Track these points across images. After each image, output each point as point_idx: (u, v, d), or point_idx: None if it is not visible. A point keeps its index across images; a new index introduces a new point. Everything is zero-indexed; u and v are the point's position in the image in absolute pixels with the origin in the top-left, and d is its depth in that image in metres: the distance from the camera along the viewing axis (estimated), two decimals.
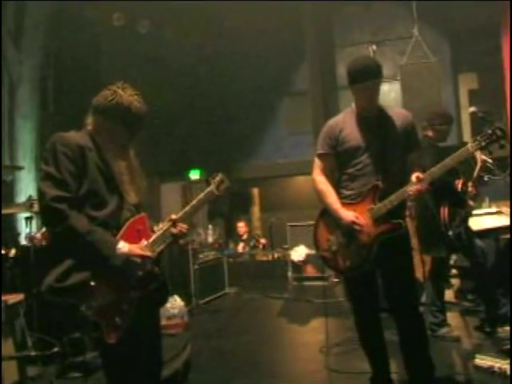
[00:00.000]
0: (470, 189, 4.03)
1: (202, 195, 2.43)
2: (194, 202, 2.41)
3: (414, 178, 2.85)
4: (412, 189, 2.81)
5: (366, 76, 2.85)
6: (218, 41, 9.67)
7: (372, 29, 10.27)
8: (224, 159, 11.54)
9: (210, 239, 8.02)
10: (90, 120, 2.29)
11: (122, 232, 2.14)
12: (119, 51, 8.04)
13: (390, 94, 10.00)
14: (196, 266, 6.65)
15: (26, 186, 7.40)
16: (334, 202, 2.93)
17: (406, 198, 2.90)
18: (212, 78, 10.60)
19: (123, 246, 2.07)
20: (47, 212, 2.06)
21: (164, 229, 2.29)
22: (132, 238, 2.16)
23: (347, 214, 2.86)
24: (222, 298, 7.11)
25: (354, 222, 2.83)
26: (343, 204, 2.93)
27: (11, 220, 6.37)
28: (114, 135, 2.28)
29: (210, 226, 8.42)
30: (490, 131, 2.86)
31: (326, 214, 3.03)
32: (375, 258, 2.84)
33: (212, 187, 2.46)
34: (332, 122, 3.09)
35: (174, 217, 2.32)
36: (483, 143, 2.87)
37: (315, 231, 3.11)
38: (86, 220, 2.05)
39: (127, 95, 2.27)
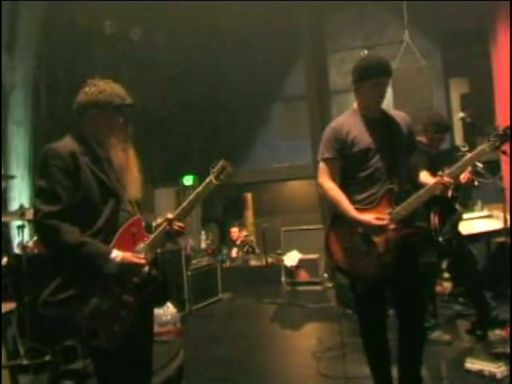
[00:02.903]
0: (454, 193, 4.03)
1: (200, 188, 2.33)
2: (192, 196, 2.32)
3: (426, 178, 2.87)
4: (437, 187, 2.76)
5: (379, 72, 2.80)
6: (210, 47, 9.70)
7: (363, 34, 10.32)
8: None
9: (203, 245, 8.03)
10: (80, 123, 2.27)
11: (116, 238, 2.12)
12: (112, 58, 8.04)
13: None
14: (189, 272, 6.64)
15: (19, 194, 7.37)
16: (350, 209, 2.79)
17: (424, 200, 2.80)
18: (205, 83, 10.63)
19: (116, 256, 2.06)
20: (40, 228, 2.09)
21: (160, 229, 2.25)
22: (127, 243, 2.15)
23: (366, 218, 2.74)
24: (215, 304, 7.11)
25: (377, 225, 2.71)
26: (357, 210, 2.79)
27: (3, 228, 6.35)
28: (110, 124, 2.26)
29: (203, 232, 8.43)
30: (501, 131, 2.81)
31: (338, 222, 2.90)
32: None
33: (211, 177, 2.35)
34: (336, 124, 2.97)
35: (170, 216, 2.28)
36: (497, 143, 2.82)
37: (327, 241, 2.94)
38: (78, 233, 2.05)
39: (103, 83, 2.28)
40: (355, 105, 3.00)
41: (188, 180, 11.55)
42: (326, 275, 8.02)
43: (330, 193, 2.88)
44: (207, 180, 2.35)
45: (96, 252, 2.04)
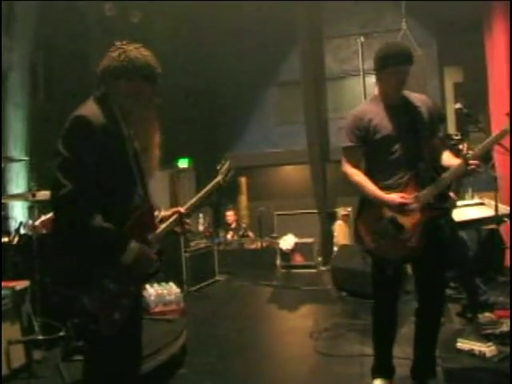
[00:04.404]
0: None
1: (209, 186, 2.42)
2: (201, 193, 2.39)
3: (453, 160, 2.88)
4: (461, 169, 2.77)
5: (401, 60, 2.84)
6: (206, 31, 9.71)
7: (360, 21, 10.38)
8: (212, 148, 11.65)
9: (201, 227, 8.14)
10: (103, 91, 2.12)
11: (129, 224, 2.07)
12: (110, 40, 8.05)
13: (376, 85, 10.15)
14: (187, 254, 6.78)
15: (17, 175, 7.42)
16: (375, 190, 2.87)
17: (449, 182, 2.89)
18: (201, 67, 10.65)
19: (134, 247, 2.02)
20: (60, 205, 1.96)
21: (170, 221, 2.27)
22: (139, 231, 2.11)
23: (392, 197, 2.81)
24: (212, 286, 7.26)
25: (401, 202, 2.78)
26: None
27: (7, 208, 6.43)
28: (138, 96, 2.13)
29: (201, 215, 8.54)
30: None
31: (366, 209, 2.99)
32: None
33: (219, 178, 2.44)
34: (357, 112, 3.03)
35: (181, 210, 2.29)
36: None
37: (356, 228, 3.04)
38: (100, 217, 1.96)
39: (133, 48, 2.12)
40: (376, 91, 3.05)
41: (183, 163, 11.60)
42: (320, 259, 8.20)
43: (354, 178, 2.97)
44: (216, 180, 2.46)
45: (116, 240, 2.00)
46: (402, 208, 2.81)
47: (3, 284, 3.27)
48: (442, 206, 2.93)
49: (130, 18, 7.71)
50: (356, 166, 3.00)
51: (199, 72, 10.63)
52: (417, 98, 3.05)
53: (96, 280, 1.98)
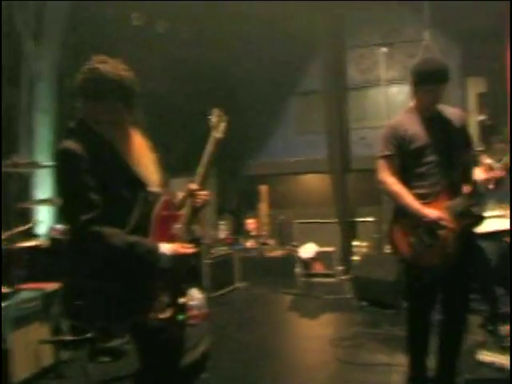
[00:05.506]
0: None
1: (210, 147, 2.36)
2: (205, 158, 2.33)
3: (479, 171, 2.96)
4: (489, 181, 2.88)
5: (438, 78, 2.92)
6: (230, 39, 9.81)
7: (382, 31, 10.39)
8: (233, 156, 11.74)
9: (222, 235, 8.19)
10: (80, 108, 2.13)
11: (152, 230, 2.08)
12: (137, 49, 8.22)
13: (398, 96, 10.16)
14: (208, 261, 6.86)
15: (43, 181, 7.58)
16: (413, 202, 2.92)
17: (480, 190, 2.92)
18: (225, 76, 10.77)
19: (166, 250, 2.04)
20: (81, 237, 1.99)
21: (188, 204, 2.28)
22: (163, 229, 2.13)
23: (432, 212, 2.87)
24: (232, 293, 7.31)
25: (440, 218, 2.85)
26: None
27: (32, 213, 6.59)
28: (115, 117, 2.12)
29: (222, 222, 8.59)
30: None
31: (400, 217, 3.03)
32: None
33: (214, 133, 2.38)
34: (393, 123, 3.14)
35: (193, 187, 2.29)
36: None
37: (391, 236, 3.08)
38: (122, 233, 1.98)
39: (110, 67, 2.10)
40: (412, 104, 3.13)
41: None
42: (339, 268, 8.20)
43: (392, 187, 3.03)
44: (213, 136, 2.39)
45: (146, 250, 2.01)
46: (440, 223, 2.85)
47: (33, 286, 3.39)
48: (475, 214, 2.97)
49: (157, 28, 7.87)
50: (393, 175, 3.05)
51: (222, 80, 10.75)
52: (452, 112, 3.12)
53: (153, 299, 2.01)
